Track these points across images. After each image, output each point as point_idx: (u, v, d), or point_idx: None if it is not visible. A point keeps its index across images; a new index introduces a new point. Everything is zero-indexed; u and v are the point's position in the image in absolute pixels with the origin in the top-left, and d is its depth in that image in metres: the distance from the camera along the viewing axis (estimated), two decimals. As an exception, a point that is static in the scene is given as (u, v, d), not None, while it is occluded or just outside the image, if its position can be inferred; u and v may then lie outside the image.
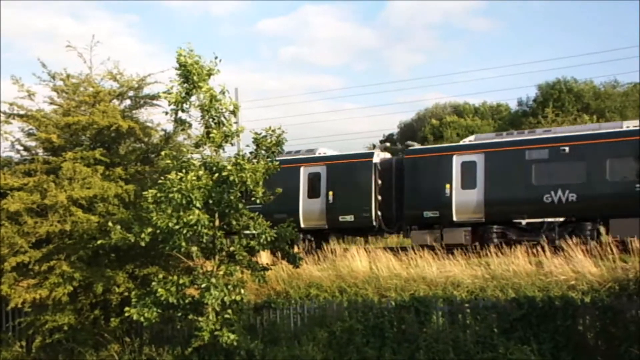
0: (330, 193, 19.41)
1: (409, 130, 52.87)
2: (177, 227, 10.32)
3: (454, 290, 13.35)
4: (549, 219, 16.91)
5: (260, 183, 10.88)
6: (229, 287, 10.69)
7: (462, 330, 11.45)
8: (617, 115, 37.45)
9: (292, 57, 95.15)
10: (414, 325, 11.54)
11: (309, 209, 19.57)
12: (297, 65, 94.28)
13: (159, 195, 10.53)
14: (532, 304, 11.04)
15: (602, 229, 16.33)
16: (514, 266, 13.93)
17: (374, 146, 45.35)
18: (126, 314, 10.70)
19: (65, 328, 12.37)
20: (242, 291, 10.92)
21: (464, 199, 17.85)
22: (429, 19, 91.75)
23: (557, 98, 39.95)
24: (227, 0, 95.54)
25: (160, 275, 11.26)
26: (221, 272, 10.94)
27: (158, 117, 14.32)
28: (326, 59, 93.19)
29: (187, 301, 10.83)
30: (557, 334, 10.74)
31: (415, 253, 15.62)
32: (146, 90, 14.24)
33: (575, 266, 13.38)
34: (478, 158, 17.93)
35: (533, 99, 42.98)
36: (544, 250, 14.61)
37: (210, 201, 10.72)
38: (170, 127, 13.56)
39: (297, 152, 21.28)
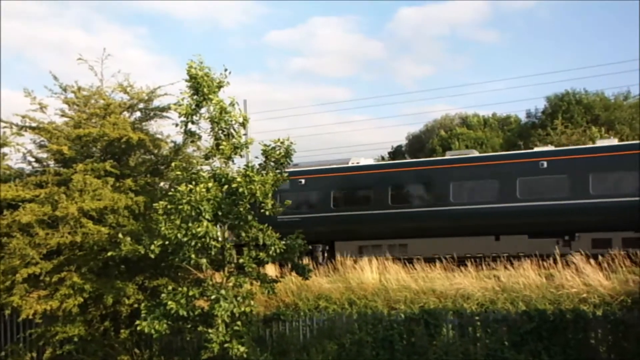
0: None
1: (417, 142, 52.92)
2: (185, 238, 10.35)
3: (464, 303, 13.28)
4: None
5: (270, 195, 10.90)
6: (239, 298, 10.68)
7: (472, 343, 11.39)
8: (627, 127, 37.35)
9: (300, 68, 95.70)
10: (423, 338, 11.49)
11: None
12: (305, 76, 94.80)
13: (169, 207, 10.57)
14: (543, 316, 10.97)
15: None
16: (524, 279, 13.84)
17: (383, 158, 45.41)
18: (138, 328, 10.70)
19: (76, 339, 12.39)
20: (252, 303, 10.90)
21: None
22: (436, 30, 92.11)
23: (566, 110, 39.91)
24: (236, 10, 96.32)
25: (170, 287, 11.26)
26: (230, 284, 10.95)
27: (168, 129, 14.47)
28: (334, 70, 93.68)
29: (196, 313, 10.81)
30: (569, 347, 10.66)
31: (425, 265, 15.57)
32: (156, 103, 14.37)
33: (587, 279, 13.28)
34: None
35: (542, 110, 43.00)
36: (555, 263, 14.53)
37: (220, 213, 10.75)
38: (180, 138, 13.67)
39: None
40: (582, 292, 12.86)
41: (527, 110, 46.89)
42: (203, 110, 11.31)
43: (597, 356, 10.71)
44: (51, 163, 14.16)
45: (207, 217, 10.41)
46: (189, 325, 11.37)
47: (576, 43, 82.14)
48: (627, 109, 40.23)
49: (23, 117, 13.67)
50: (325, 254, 19.23)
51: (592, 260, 14.17)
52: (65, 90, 13.98)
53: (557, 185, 17.65)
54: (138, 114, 14.47)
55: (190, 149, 13.97)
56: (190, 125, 11.43)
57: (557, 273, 14.03)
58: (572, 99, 40.71)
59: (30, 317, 12.20)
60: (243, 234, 11.33)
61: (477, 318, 11.74)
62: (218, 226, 11.04)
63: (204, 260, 10.79)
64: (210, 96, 11.09)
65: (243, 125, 11.60)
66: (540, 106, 44.15)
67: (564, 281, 13.46)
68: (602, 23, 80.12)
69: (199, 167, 12.08)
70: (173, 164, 12.04)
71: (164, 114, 14.23)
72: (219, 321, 10.65)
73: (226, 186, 10.83)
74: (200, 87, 11.03)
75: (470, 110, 52.77)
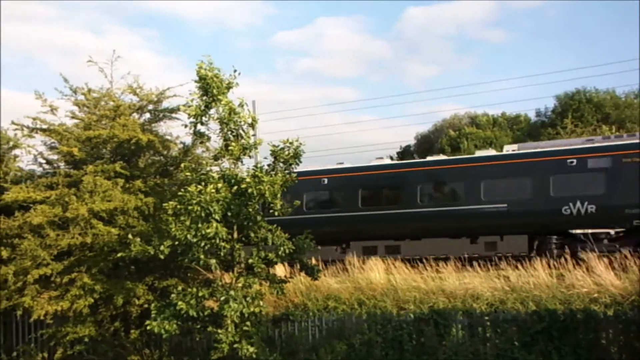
0: None
1: (426, 142, 52.75)
2: (195, 239, 10.39)
3: (473, 303, 13.25)
4: None
5: (279, 195, 10.91)
6: (248, 299, 10.70)
7: (482, 344, 11.35)
8: (637, 125, 37.07)
9: (307, 69, 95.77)
10: (433, 338, 11.46)
11: None
12: (313, 77, 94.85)
13: (178, 207, 10.61)
14: (554, 316, 10.91)
15: None
16: (534, 278, 13.79)
17: (392, 158, 45.37)
18: (148, 328, 10.75)
19: (86, 340, 12.46)
20: (261, 303, 10.92)
21: None
22: (443, 30, 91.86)
23: (576, 108, 39.67)
24: (243, 11, 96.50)
25: (180, 287, 11.30)
26: (240, 285, 10.96)
27: (177, 130, 14.51)
28: (341, 70, 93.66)
29: (206, 313, 10.85)
30: (579, 347, 10.60)
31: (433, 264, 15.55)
32: (165, 104, 14.42)
33: (598, 279, 13.21)
34: None
35: (551, 109, 42.75)
36: (566, 262, 14.48)
37: (229, 213, 10.76)
38: (189, 140, 13.72)
39: None
40: (593, 291, 12.80)
41: (537, 109, 46.71)
42: (212, 111, 11.34)
43: (608, 356, 10.64)
44: (62, 165, 14.26)
45: (216, 217, 10.44)
46: (199, 326, 11.41)
47: (582, 42, 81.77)
48: (638, 107, 39.97)
49: (34, 119, 13.77)
50: None
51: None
52: (75, 92, 14.07)
53: (334, 199, 20.84)
54: (147, 115, 14.54)
55: (199, 150, 14.02)
56: (199, 126, 11.47)
57: (567, 273, 13.97)
58: (582, 98, 40.46)
59: (42, 317, 12.29)
60: (252, 235, 11.35)
61: (486, 318, 11.70)
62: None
63: (213, 261, 10.82)
64: (220, 97, 11.11)
65: (252, 126, 11.61)
66: (549, 105, 44.01)
67: (574, 281, 13.40)
68: (607, 23, 79.66)
69: (208, 168, 12.12)
70: (182, 165, 12.08)
71: (173, 115, 14.29)
72: (229, 321, 10.68)
73: (235, 187, 10.85)
74: (210, 88, 11.05)
75: (479, 110, 52.59)
